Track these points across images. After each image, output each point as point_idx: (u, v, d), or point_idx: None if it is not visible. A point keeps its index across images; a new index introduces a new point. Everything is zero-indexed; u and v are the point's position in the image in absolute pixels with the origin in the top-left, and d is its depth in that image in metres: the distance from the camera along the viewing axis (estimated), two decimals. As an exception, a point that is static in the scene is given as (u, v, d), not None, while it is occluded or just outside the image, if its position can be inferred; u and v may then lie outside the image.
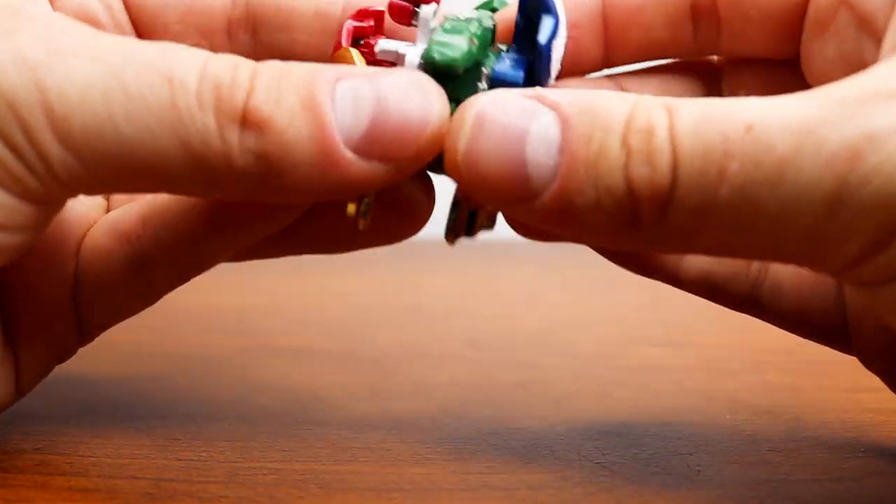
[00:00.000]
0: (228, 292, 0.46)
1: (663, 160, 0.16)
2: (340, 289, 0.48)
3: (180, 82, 0.17)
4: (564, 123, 0.16)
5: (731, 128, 0.16)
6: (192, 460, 0.23)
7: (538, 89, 0.17)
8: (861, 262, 0.16)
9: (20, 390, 0.23)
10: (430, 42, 0.19)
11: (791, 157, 0.15)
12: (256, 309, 0.42)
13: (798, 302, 0.22)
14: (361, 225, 0.19)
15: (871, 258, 0.16)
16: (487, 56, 0.20)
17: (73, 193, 0.18)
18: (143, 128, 0.17)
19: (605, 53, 0.22)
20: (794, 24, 0.21)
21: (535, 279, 0.52)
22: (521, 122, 0.17)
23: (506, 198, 0.17)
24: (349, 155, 0.17)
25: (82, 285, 0.22)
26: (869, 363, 0.23)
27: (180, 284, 0.23)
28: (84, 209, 0.22)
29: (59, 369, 0.30)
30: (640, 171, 0.16)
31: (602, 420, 0.26)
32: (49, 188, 0.18)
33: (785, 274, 0.22)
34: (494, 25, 0.20)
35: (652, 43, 0.22)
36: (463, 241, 0.22)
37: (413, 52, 0.20)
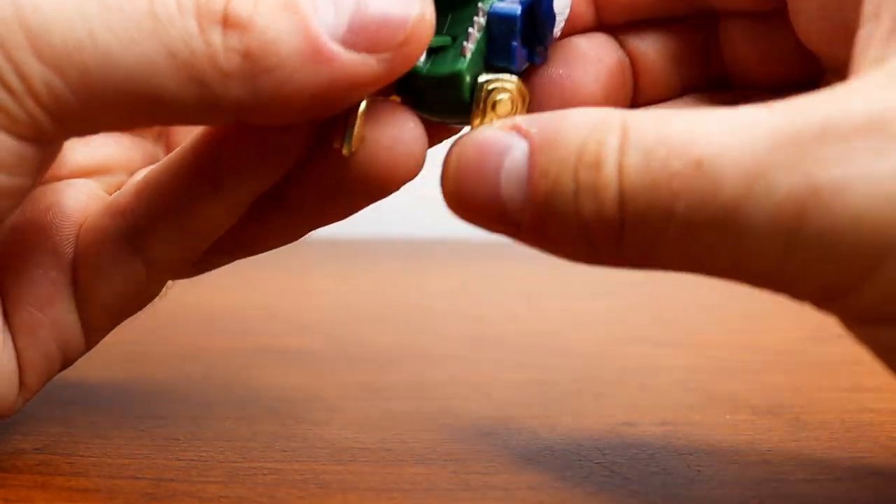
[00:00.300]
0: (228, 292, 0.46)
1: (610, 195, 0.16)
2: (340, 289, 0.48)
3: None
4: (531, 156, 0.17)
5: (681, 163, 0.15)
6: (192, 460, 0.23)
7: (516, 119, 0.18)
8: (832, 301, 0.16)
9: (26, 387, 0.22)
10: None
11: (738, 201, 0.15)
12: (256, 309, 0.42)
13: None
14: (346, 150, 0.19)
15: (842, 299, 0.16)
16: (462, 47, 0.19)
17: (63, 126, 0.18)
18: (125, 38, 0.16)
19: (597, 14, 0.22)
20: None
21: (535, 279, 0.52)
22: (496, 158, 0.17)
23: (496, 229, 0.18)
24: (336, 47, 0.17)
25: (80, 268, 0.21)
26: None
27: (181, 260, 0.22)
28: (85, 199, 0.22)
29: (59, 369, 0.31)
30: (588, 206, 0.16)
31: (602, 420, 0.26)
32: (36, 117, 0.17)
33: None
34: (487, 18, 0.20)
35: (642, 1, 0.22)
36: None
37: None
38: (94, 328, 0.22)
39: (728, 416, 0.27)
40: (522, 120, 0.18)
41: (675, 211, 0.16)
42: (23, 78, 0.16)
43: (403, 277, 0.52)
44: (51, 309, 0.21)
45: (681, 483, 0.22)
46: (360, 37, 0.17)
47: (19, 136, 0.17)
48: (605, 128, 0.16)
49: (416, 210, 0.68)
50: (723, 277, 0.17)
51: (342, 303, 0.44)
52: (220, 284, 0.48)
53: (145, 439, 0.24)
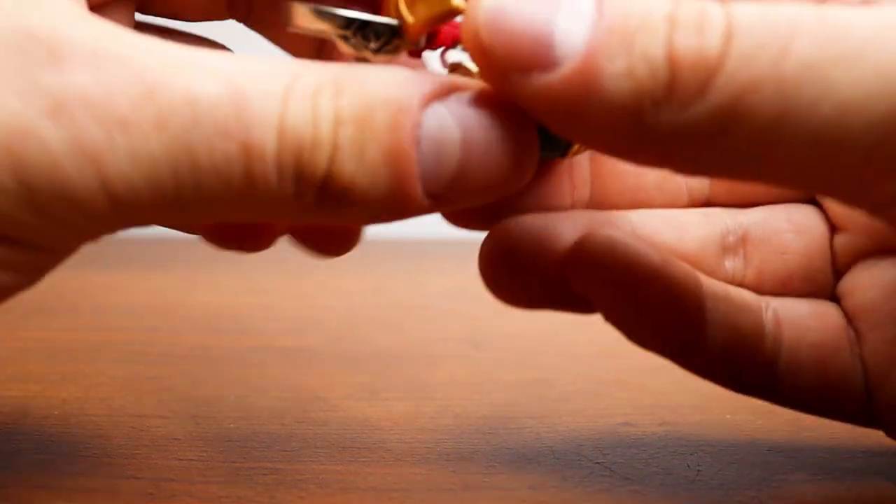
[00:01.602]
0: (228, 292, 0.46)
1: (715, 29, 0.14)
2: (340, 289, 0.48)
3: (258, 149, 0.15)
4: None
5: (801, 11, 0.14)
6: (192, 460, 0.23)
7: None
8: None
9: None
10: None
11: (870, 39, 0.14)
12: (256, 309, 0.42)
13: (818, 375, 0.20)
14: None
15: None
16: None
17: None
18: (212, 197, 0.16)
19: None
20: None
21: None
22: None
23: (522, 64, 0.15)
24: (425, 202, 0.16)
25: None
26: (894, 433, 0.21)
27: None
28: None
29: (59, 369, 0.31)
30: (685, 41, 0.14)
31: (602, 420, 0.26)
32: (87, 241, 0.17)
33: (801, 345, 0.20)
34: None
35: None
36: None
37: None
38: None
39: (728, 416, 0.27)
40: None
41: (794, 48, 0.14)
42: (94, 230, 0.16)
43: (403, 277, 0.52)
44: None
45: (681, 483, 0.22)
46: (453, 197, 0.16)
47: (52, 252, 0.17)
48: None
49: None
50: (787, 172, 0.15)
51: (342, 303, 0.44)
52: (220, 284, 0.48)
53: (145, 439, 0.24)
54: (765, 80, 0.14)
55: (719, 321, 0.20)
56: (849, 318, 0.21)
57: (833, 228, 0.22)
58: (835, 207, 0.22)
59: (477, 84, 0.16)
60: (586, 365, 0.33)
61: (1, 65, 0.15)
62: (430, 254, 0.59)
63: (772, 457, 0.23)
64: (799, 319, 0.21)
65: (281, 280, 0.50)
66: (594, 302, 0.20)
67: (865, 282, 0.21)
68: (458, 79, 0.17)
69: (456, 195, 0.16)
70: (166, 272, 0.52)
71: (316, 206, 0.16)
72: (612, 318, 0.20)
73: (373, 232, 0.70)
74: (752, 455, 0.24)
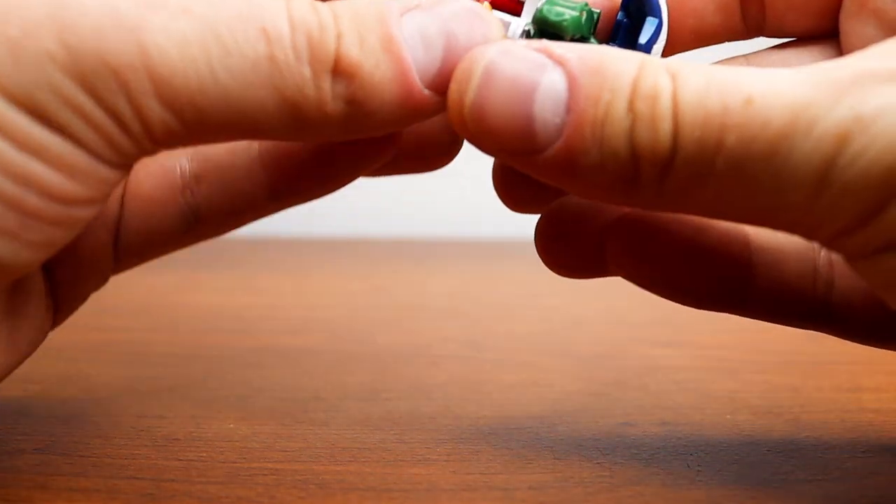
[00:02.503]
0: (228, 292, 0.46)
1: (665, 127, 0.16)
2: (340, 289, 0.48)
3: (275, 32, 0.17)
4: (572, 81, 0.17)
5: (732, 100, 0.16)
6: (192, 460, 0.23)
7: (544, 42, 0.17)
8: (847, 234, 0.16)
9: (57, 317, 0.23)
10: (543, 4, 0.19)
11: (785, 133, 0.16)
12: (256, 309, 0.42)
13: (869, 314, 0.22)
14: None
15: (857, 231, 0.16)
16: (590, 40, 0.20)
17: (157, 152, 0.18)
18: (243, 81, 0.17)
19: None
20: (834, 4, 0.21)
21: (535, 279, 0.52)
22: (532, 76, 0.17)
23: (511, 150, 0.17)
24: (426, 93, 0.18)
25: (126, 230, 0.22)
26: None
27: (222, 234, 0.24)
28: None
29: (60, 370, 0.31)
30: (643, 137, 0.16)
31: (602, 420, 0.26)
32: (141, 151, 0.17)
33: (854, 286, 0.22)
34: (598, 15, 0.20)
35: (706, 29, 0.22)
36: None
37: (517, 23, 0.20)
38: (125, 266, 0.23)
39: (728, 416, 0.27)
40: (551, 45, 0.17)
41: (725, 144, 0.16)
42: (143, 121, 0.17)
43: (403, 277, 0.52)
44: (91, 262, 0.22)
45: (681, 483, 0.22)
46: (447, 80, 0.18)
47: (115, 165, 0.18)
48: (654, 67, 0.16)
49: (416, 210, 0.68)
50: (749, 220, 0.17)
51: (342, 303, 0.44)
52: (221, 284, 0.48)
53: (145, 439, 0.24)
54: (706, 172, 0.16)
55: (766, 273, 0.21)
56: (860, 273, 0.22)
57: None
58: None
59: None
60: (586, 365, 0.33)
61: None
62: (430, 254, 0.59)
63: (772, 457, 0.23)
64: None
65: (281, 280, 0.50)
66: (626, 276, 0.22)
67: None
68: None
69: (448, 80, 0.18)
70: (166, 272, 0.51)
71: (335, 99, 0.17)
72: (651, 288, 0.22)
73: (373, 232, 0.70)
74: (752, 455, 0.24)
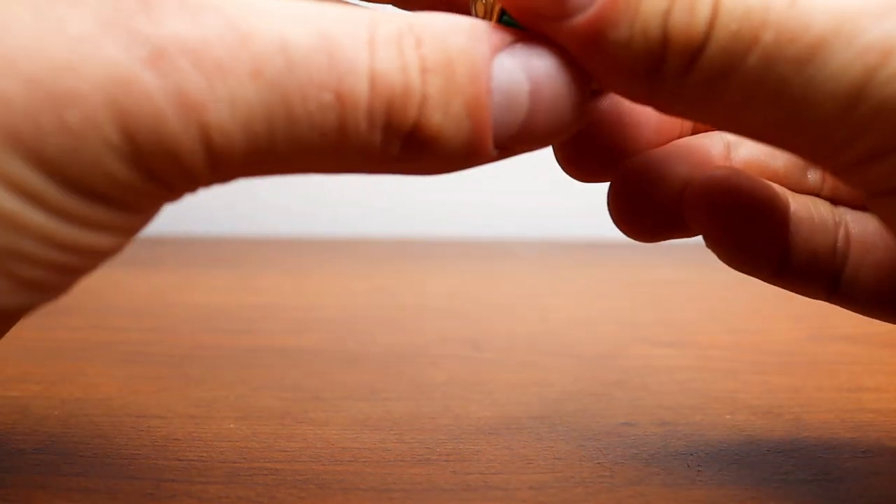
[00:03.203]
0: (228, 292, 0.46)
1: (703, 13, 0.16)
2: (340, 289, 0.48)
3: (351, 98, 0.15)
4: None
5: None
6: (192, 460, 0.23)
7: None
8: (871, 161, 0.16)
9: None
10: None
11: (825, 40, 0.15)
12: (256, 309, 0.42)
13: (875, 290, 0.22)
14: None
15: (884, 158, 0.16)
16: None
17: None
18: (304, 148, 0.16)
19: None
20: None
21: (535, 279, 0.52)
22: None
23: (539, 10, 0.16)
24: (493, 152, 0.17)
25: None
26: None
27: None
28: None
29: (59, 369, 0.31)
30: (678, 19, 0.16)
31: (602, 420, 0.26)
32: (176, 199, 0.17)
33: (864, 263, 0.22)
34: None
35: None
36: None
37: None
38: None
39: (728, 416, 0.27)
40: None
41: (761, 41, 0.15)
42: (192, 184, 0.16)
43: (403, 277, 0.52)
44: None
45: (681, 483, 0.22)
46: (519, 143, 0.17)
47: (151, 214, 0.17)
48: None
49: (416, 210, 0.68)
50: (767, 135, 0.17)
51: (342, 303, 0.44)
52: (220, 284, 0.48)
53: (145, 439, 0.24)
54: (735, 68, 0.16)
55: (801, 244, 0.22)
56: (877, 213, 0.21)
57: None
58: None
59: (532, 35, 0.17)
60: (586, 365, 0.33)
61: (96, 15, 0.15)
62: (430, 254, 0.59)
63: (772, 457, 0.23)
64: (866, 237, 0.22)
65: (281, 280, 0.50)
66: (705, 234, 0.22)
67: None
68: (512, 29, 0.17)
69: (521, 144, 0.17)
70: (166, 272, 0.52)
71: (398, 156, 0.16)
72: (714, 244, 0.22)
73: (373, 232, 0.70)
74: (752, 455, 0.24)
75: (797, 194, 0.22)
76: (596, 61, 0.16)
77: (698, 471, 0.22)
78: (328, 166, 0.17)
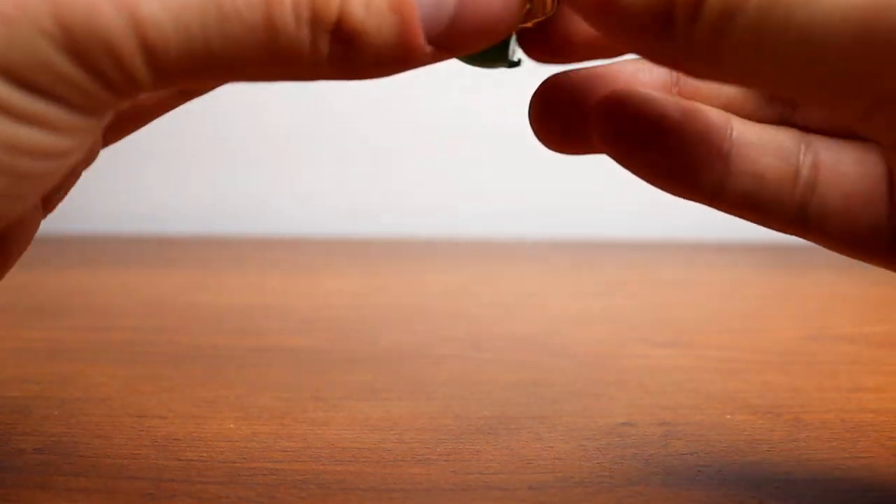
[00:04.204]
0: (228, 292, 0.46)
1: None
2: (341, 289, 0.48)
3: None
4: None
5: None
6: (192, 460, 0.23)
7: None
8: (881, 108, 0.16)
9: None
10: None
11: None
12: (256, 309, 0.42)
13: (847, 223, 0.21)
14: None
15: (890, 107, 0.16)
16: None
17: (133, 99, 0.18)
18: (235, 44, 0.17)
19: None
20: None
21: (535, 279, 0.52)
22: None
23: None
24: (427, 48, 0.17)
25: None
26: None
27: None
28: None
29: (59, 369, 0.31)
30: None
31: (602, 420, 0.26)
32: (122, 102, 0.17)
33: (833, 193, 0.21)
34: None
35: None
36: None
37: None
38: None
39: (728, 416, 0.27)
40: None
41: None
42: (130, 81, 0.17)
43: (403, 277, 0.52)
44: None
45: (681, 483, 0.22)
46: (452, 41, 0.17)
47: (98, 116, 0.17)
48: None
49: (416, 210, 0.68)
50: (782, 82, 0.17)
51: (343, 303, 0.44)
52: (222, 284, 0.48)
53: (145, 439, 0.24)
54: (740, 7, 0.16)
55: (744, 169, 0.21)
56: (890, 166, 0.21)
57: None
58: None
59: None
60: (586, 365, 0.33)
61: None
62: (430, 254, 0.59)
63: (772, 457, 0.23)
64: (838, 166, 0.21)
65: (282, 280, 0.50)
66: (610, 151, 0.21)
67: None
68: None
69: (456, 41, 0.17)
70: (167, 272, 0.52)
71: (329, 57, 0.17)
72: (623, 160, 0.21)
73: (373, 232, 0.70)
74: (752, 455, 0.24)
75: (748, 121, 0.22)
76: (609, 20, 0.17)
77: (698, 471, 0.22)
78: (267, 71, 0.17)
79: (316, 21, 0.17)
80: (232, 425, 0.25)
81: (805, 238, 0.22)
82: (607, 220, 0.67)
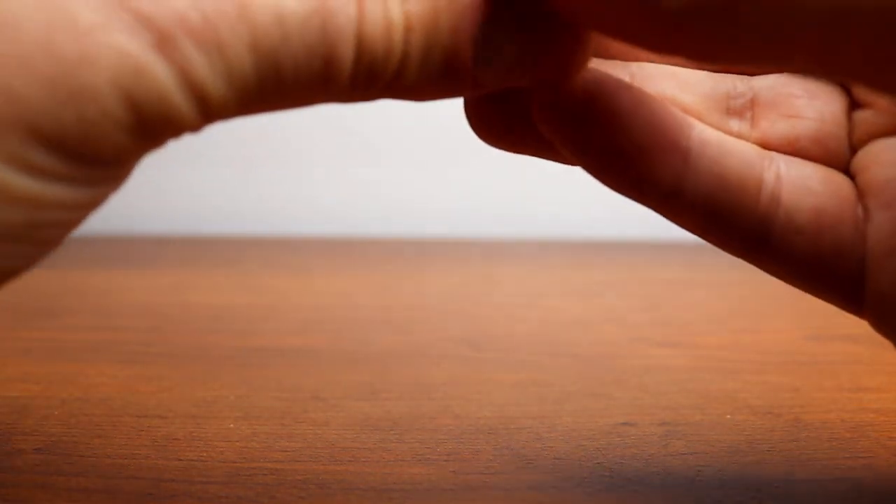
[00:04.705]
0: (228, 292, 0.46)
1: None
2: (340, 289, 0.48)
3: (338, 63, 0.16)
4: None
5: None
6: (192, 460, 0.23)
7: None
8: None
9: None
10: None
11: None
12: (256, 309, 0.42)
13: (813, 242, 0.19)
14: None
15: None
16: None
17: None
18: (288, 98, 0.17)
19: None
20: None
21: (535, 279, 0.52)
22: None
23: None
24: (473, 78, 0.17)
25: None
26: (883, 324, 0.20)
27: None
28: None
29: (59, 369, 0.31)
30: None
31: (602, 420, 0.26)
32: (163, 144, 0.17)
33: (801, 207, 0.19)
34: None
35: None
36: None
37: None
38: None
39: (728, 416, 0.27)
40: None
41: None
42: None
43: (403, 277, 0.52)
44: None
45: (681, 483, 0.22)
46: (497, 82, 0.18)
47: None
48: None
49: (416, 210, 0.68)
50: (759, 55, 0.15)
51: (342, 303, 0.44)
52: (221, 284, 0.48)
53: (145, 439, 0.24)
54: None
55: (705, 168, 0.19)
56: (860, 193, 0.20)
57: (854, 105, 0.21)
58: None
59: None
60: (586, 365, 0.33)
61: (101, 1, 0.15)
62: (430, 254, 0.59)
63: (772, 457, 0.23)
64: (803, 181, 0.20)
65: (281, 280, 0.50)
66: (557, 143, 0.20)
67: (883, 158, 0.20)
68: None
69: (501, 82, 0.18)
70: (166, 272, 0.52)
71: (374, 97, 0.17)
72: (574, 152, 0.19)
73: (373, 232, 0.70)
74: (752, 455, 0.24)
75: (709, 126, 0.20)
76: (595, 8, 0.16)
77: (698, 471, 0.22)
78: (305, 104, 0.17)
79: (370, 81, 0.17)
80: (232, 425, 0.25)
81: (758, 263, 0.20)
82: (607, 221, 0.67)
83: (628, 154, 0.19)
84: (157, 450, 0.23)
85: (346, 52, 0.16)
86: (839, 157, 0.21)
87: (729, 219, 0.19)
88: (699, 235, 0.20)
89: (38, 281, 0.46)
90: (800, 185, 0.20)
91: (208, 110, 0.16)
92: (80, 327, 0.38)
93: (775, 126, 0.21)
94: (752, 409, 0.27)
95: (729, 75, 0.21)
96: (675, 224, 0.20)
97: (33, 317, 0.39)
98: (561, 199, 0.67)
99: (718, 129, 0.21)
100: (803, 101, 0.21)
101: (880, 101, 0.20)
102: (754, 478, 0.22)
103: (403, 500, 0.21)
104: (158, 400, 0.28)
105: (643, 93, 0.19)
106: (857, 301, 0.20)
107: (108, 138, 0.16)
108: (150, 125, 0.16)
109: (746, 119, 0.21)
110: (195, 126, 0.16)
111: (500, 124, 0.21)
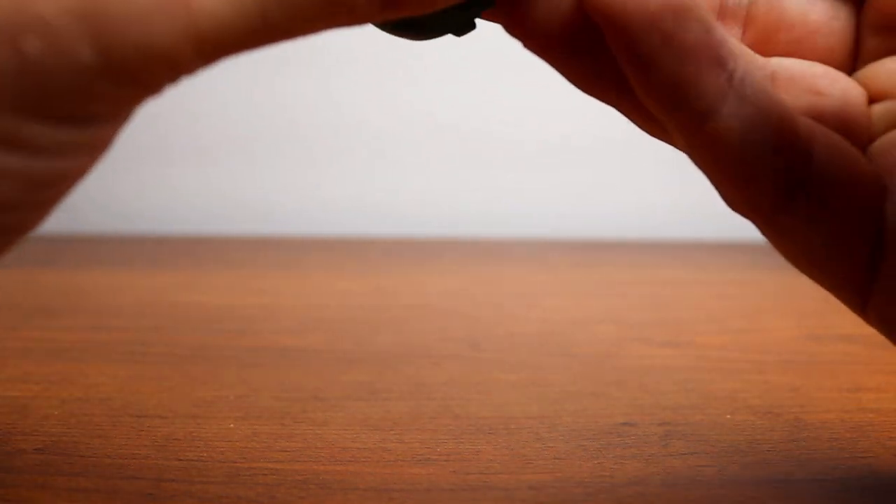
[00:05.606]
0: (228, 292, 0.46)
1: None
2: (340, 289, 0.48)
3: None
4: None
5: None
6: (192, 460, 0.23)
7: None
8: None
9: None
10: None
11: None
12: (256, 308, 0.42)
13: (844, 200, 0.18)
14: None
15: None
16: None
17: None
18: (295, 18, 0.15)
19: None
20: None
21: (535, 279, 0.52)
22: None
23: None
24: None
25: None
26: (891, 307, 0.19)
27: None
28: None
29: (59, 369, 0.31)
30: None
31: (601, 420, 0.26)
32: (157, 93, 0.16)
33: (833, 162, 0.18)
34: None
35: None
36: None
37: None
38: None
39: (728, 416, 0.27)
40: None
41: None
42: (178, 73, 0.15)
43: (403, 277, 0.52)
44: None
45: (681, 483, 0.22)
46: None
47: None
48: None
49: (416, 210, 0.68)
50: None
51: (342, 303, 0.44)
52: (221, 284, 0.48)
53: (145, 439, 0.24)
54: None
55: (749, 94, 0.18)
56: (881, 173, 0.19)
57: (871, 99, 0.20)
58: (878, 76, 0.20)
59: None
60: (586, 365, 0.33)
61: None
62: (430, 254, 0.59)
63: (772, 457, 0.23)
64: (834, 139, 0.19)
65: (281, 280, 0.50)
66: (610, 42, 0.18)
67: None
68: None
69: None
70: (166, 272, 0.51)
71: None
72: (628, 55, 0.17)
73: (373, 232, 0.70)
74: (752, 455, 0.24)
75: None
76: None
77: (698, 471, 0.22)
78: (316, 27, 0.16)
79: None
80: (232, 425, 0.25)
81: (777, 226, 0.18)
82: (607, 221, 0.67)
83: (677, 53, 0.17)
84: (157, 450, 0.23)
85: None
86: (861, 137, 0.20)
87: (763, 157, 0.18)
88: (727, 186, 0.18)
89: (38, 281, 0.46)
90: (830, 143, 0.18)
91: (202, 34, 0.14)
92: (80, 327, 0.38)
93: (772, 35, 0.20)
94: (752, 409, 0.27)
95: None
96: (702, 169, 0.18)
97: (33, 317, 0.39)
98: (561, 199, 0.67)
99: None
100: (826, 82, 0.20)
101: None
102: (754, 478, 0.22)
103: (403, 500, 0.21)
104: (158, 400, 0.28)
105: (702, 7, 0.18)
106: (866, 286, 0.19)
107: (77, 87, 0.14)
108: (127, 62, 0.14)
109: (737, 27, 0.20)
110: (188, 58, 0.14)
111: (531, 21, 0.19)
